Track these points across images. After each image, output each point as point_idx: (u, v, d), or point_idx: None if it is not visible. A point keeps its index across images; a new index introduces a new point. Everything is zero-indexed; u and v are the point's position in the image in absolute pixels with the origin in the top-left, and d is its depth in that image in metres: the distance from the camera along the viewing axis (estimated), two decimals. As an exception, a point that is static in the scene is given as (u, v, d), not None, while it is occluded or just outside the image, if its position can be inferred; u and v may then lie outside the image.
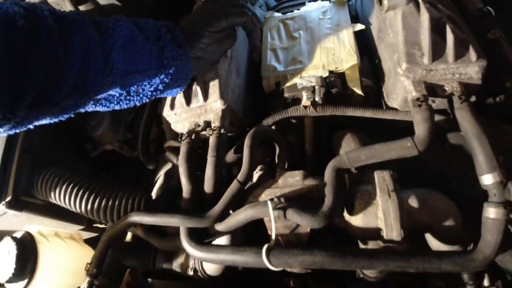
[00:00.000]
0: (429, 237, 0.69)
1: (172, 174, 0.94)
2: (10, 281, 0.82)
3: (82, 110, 0.58)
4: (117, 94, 0.61)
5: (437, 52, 0.67)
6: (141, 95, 0.64)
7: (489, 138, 0.61)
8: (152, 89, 0.64)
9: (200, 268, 0.79)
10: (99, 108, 0.62)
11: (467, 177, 0.71)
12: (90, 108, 0.60)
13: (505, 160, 0.64)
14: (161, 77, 0.62)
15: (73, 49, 0.47)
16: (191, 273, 0.80)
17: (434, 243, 0.69)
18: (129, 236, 0.93)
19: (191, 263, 0.80)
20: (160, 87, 0.64)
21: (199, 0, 1.07)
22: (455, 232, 0.66)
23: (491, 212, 0.59)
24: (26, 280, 0.84)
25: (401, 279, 1.20)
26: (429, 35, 0.66)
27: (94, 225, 1.11)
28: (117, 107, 0.63)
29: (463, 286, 0.92)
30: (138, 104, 0.65)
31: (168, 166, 0.97)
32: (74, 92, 0.49)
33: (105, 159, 1.12)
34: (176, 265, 0.84)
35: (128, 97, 0.63)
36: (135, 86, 0.61)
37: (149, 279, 0.83)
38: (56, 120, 0.52)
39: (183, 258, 0.83)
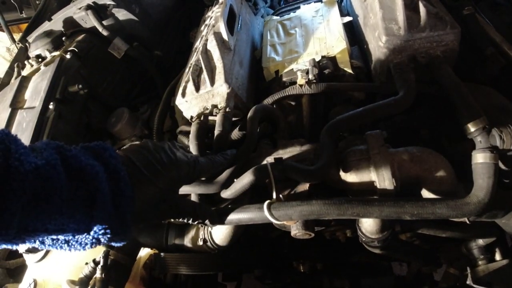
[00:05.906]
0: (424, 193, 0.72)
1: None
2: (30, 250, 0.88)
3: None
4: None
5: (412, 24, 0.76)
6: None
7: (467, 91, 0.67)
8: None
9: (209, 237, 0.84)
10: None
11: (455, 134, 0.75)
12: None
13: (491, 116, 0.69)
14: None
15: None
16: (200, 243, 0.84)
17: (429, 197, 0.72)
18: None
19: (201, 233, 0.85)
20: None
21: (207, 11, 1.23)
22: (447, 184, 0.69)
23: (479, 157, 0.62)
24: (44, 250, 0.90)
25: (415, 271, 1.18)
26: (403, 11, 0.76)
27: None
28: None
29: (474, 261, 0.91)
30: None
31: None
32: None
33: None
34: (187, 239, 0.89)
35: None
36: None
37: (162, 254, 0.88)
38: None
39: (194, 231, 0.88)
